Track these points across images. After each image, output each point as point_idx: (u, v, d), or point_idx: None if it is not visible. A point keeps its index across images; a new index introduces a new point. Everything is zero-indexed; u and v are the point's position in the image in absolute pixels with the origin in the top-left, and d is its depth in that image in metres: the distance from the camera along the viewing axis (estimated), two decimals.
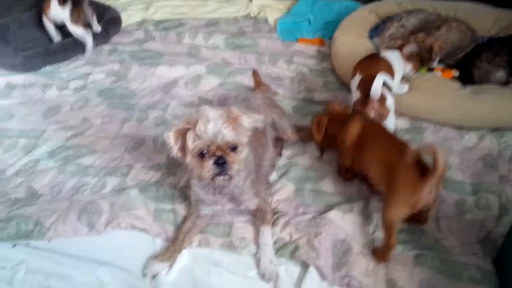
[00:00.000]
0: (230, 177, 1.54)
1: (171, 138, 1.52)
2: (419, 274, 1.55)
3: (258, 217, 1.75)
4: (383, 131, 1.78)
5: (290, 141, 2.12)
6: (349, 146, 1.79)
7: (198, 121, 1.47)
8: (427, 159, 1.51)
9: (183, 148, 1.51)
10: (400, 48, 2.20)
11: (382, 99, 1.92)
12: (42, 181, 1.98)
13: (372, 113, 1.90)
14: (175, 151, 1.53)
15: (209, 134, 1.46)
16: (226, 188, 1.65)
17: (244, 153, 1.54)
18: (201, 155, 1.49)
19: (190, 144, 1.48)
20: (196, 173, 1.61)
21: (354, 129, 1.78)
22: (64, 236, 1.74)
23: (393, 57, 2.14)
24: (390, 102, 1.94)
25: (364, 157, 1.72)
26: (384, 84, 1.90)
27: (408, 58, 2.19)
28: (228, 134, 1.48)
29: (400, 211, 1.53)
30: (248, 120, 1.55)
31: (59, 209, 1.80)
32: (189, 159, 1.51)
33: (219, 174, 1.50)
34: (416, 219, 1.68)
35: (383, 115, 1.92)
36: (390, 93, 1.96)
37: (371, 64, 2.07)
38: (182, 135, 1.51)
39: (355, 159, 1.79)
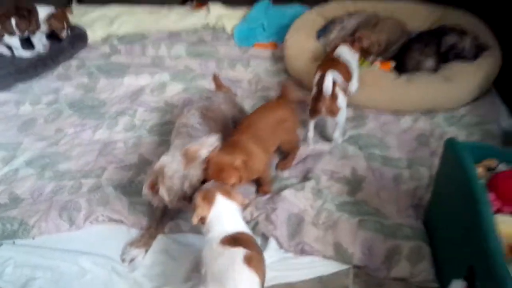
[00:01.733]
0: None
1: (148, 194, 1.73)
2: (361, 236, 1.79)
3: None
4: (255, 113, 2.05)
5: None
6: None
7: (163, 177, 1.67)
8: None
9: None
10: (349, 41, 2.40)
11: (334, 97, 2.09)
12: (23, 187, 2.15)
13: (323, 109, 2.11)
14: (156, 202, 1.75)
15: (179, 187, 1.68)
16: None
17: None
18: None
19: (166, 198, 1.70)
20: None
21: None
22: (48, 233, 1.91)
23: (347, 53, 2.32)
24: (341, 100, 2.11)
25: (267, 135, 1.93)
26: (336, 84, 2.07)
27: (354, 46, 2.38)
28: (194, 178, 1.70)
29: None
30: (206, 151, 1.74)
31: (41, 209, 1.97)
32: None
33: None
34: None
35: (333, 112, 2.12)
36: (341, 92, 2.12)
37: (330, 63, 2.23)
38: (155, 184, 1.71)
39: (266, 144, 1.94)
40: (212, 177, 1.71)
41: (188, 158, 1.71)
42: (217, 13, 3.57)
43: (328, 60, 2.31)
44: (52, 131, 2.52)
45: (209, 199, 1.54)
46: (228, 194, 1.57)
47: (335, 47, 2.40)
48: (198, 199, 1.55)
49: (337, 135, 2.24)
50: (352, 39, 2.44)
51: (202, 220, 1.54)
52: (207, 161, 1.74)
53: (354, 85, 2.34)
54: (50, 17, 3.05)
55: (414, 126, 2.39)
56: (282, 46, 2.98)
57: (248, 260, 1.42)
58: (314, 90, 2.17)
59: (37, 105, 2.74)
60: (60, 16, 3.08)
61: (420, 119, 2.42)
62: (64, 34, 3.12)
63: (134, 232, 1.92)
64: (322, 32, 3.00)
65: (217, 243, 1.48)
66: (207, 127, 2.04)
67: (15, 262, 1.82)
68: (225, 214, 1.54)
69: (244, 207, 1.87)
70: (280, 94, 2.12)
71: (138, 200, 2.00)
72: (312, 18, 3.12)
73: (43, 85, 2.91)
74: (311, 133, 2.27)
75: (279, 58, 3.02)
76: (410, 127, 2.38)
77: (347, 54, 2.34)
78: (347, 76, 2.25)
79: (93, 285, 1.73)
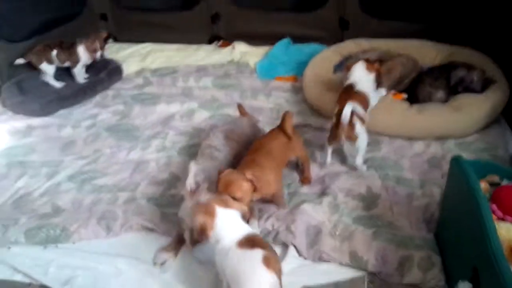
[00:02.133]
0: None
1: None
2: (375, 245, 1.93)
3: None
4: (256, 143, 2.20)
5: None
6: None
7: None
8: None
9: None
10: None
11: (351, 126, 2.25)
12: (64, 199, 2.35)
13: (342, 135, 2.28)
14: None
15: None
16: None
17: None
18: None
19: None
20: None
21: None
22: (87, 238, 2.10)
23: (361, 74, 2.44)
24: (359, 129, 2.28)
25: (277, 154, 2.13)
26: (354, 114, 2.26)
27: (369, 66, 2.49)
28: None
29: None
30: (191, 179, 1.88)
31: (81, 217, 2.17)
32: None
33: None
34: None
35: (351, 138, 2.29)
36: (359, 121, 2.29)
37: (347, 95, 2.38)
38: None
39: (277, 161, 2.13)
40: (221, 191, 1.84)
41: (188, 192, 1.90)
42: (241, 51, 3.89)
43: (345, 92, 2.44)
44: (91, 151, 2.76)
45: (209, 212, 1.65)
46: (224, 203, 1.71)
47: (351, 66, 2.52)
48: (199, 216, 1.65)
49: (359, 161, 2.37)
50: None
51: (206, 233, 1.64)
52: (218, 179, 1.88)
53: (373, 101, 2.48)
54: (85, 39, 3.33)
55: (426, 150, 2.55)
56: (301, 78, 3.22)
57: (267, 262, 1.56)
58: (334, 119, 2.35)
59: (77, 128, 2.99)
60: (94, 37, 3.35)
61: (432, 145, 2.58)
62: (98, 55, 3.36)
63: (165, 239, 2.08)
64: (338, 67, 3.23)
65: (234, 248, 1.61)
66: (229, 147, 2.25)
67: (58, 263, 2.00)
68: (230, 221, 1.67)
69: (249, 216, 1.98)
70: (281, 120, 2.24)
71: (168, 211, 2.19)
72: (329, 54, 3.37)
73: (82, 111, 3.19)
74: (329, 158, 2.44)
75: (298, 89, 3.25)
76: (422, 152, 2.55)
77: (362, 75, 2.45)
78: (365, 104, 2.40)
79: (128, 284, 1.90)
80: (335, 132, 2.30)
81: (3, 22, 3.30)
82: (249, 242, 1.62)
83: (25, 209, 2.31)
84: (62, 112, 3.18)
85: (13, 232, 2.11)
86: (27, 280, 1.95)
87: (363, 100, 2.40)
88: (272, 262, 1.58)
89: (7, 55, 3.30)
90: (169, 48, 4.06)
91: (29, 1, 3.46)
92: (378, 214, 2.13)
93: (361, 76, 2.47)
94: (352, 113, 2.25)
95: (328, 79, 3.05)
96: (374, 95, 2.50)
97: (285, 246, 2.00)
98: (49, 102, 3.17)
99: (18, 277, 1.97)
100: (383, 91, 2.65)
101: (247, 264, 1.57)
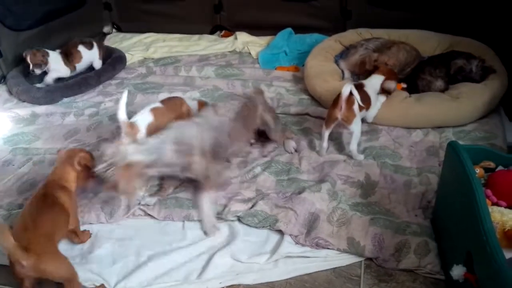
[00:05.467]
0: None
1: None
2: (373, 231, 1.97)
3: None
4: None
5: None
6: None
7: None
8: None
9: None
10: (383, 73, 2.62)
11: (350, 101, 2.29)
12: None
13: (339, 115, 2.31)
14: None
15: None
16: None
17: None
18: None
19: None
20: None
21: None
22: (89, 222, 2.15)
23: (376, 84, 2.57)
24: (356, 110, 2.33)
25: None
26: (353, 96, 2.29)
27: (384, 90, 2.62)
28: None
29: None
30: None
31: (85, 202, 2.22)
32: None
33: None
34: None
35: (348, 118, 2.31)
36: (357, 105, 2.32)
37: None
38: None
39: None
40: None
41: None
42: (243, 40, 3.91)
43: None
44: (94, 138, 2.79)
45: None
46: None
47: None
48: None
49: (353, 147, 2.40)
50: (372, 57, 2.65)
51: None
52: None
53: (373, 111, 2.59)
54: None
55: (424, 139, 2.57)
56: (302, 68, 3.24)
57: None
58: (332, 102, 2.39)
59: (80, 116, 3.03)
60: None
61: (430, 133, 2.60)
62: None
63: (164, 224, 2.14)
64: (339, 56, 3.26)
65: None
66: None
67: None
68: None
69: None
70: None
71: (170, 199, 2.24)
72: (331, 44, 3.39)
73: (85, 100, 3.22)
74: (325, 143, 2.45)
75: (299, 79, 3.27)
76: (421, 140, 2.57)
77: (376, 85, 2.56)
78: (367, 104, 2.46)
79: (123, 270, 1.93)
80: (332, 112, 2.33)
81: (8, 11, 3.34)
82: None
83: (29, 194, 2.34)
84: (65, 100, 3.21)
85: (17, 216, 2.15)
86: None
87: (366, 98, 2.45)
88: None
89: (11, 44, 3.35)
90: (171, 38, 4.09)
91: None
92: (375, 201, 2.16)
93: (373, 85, 2.52)
94: (351, 94, 2.28)
95: (330, 68, 3.07)
96: (375, 104, 2.60)
97: (281, 233, 2.02)
98: (53, 91, 3.21)
99: None
100: (382, 98, 2.69)
101: None
